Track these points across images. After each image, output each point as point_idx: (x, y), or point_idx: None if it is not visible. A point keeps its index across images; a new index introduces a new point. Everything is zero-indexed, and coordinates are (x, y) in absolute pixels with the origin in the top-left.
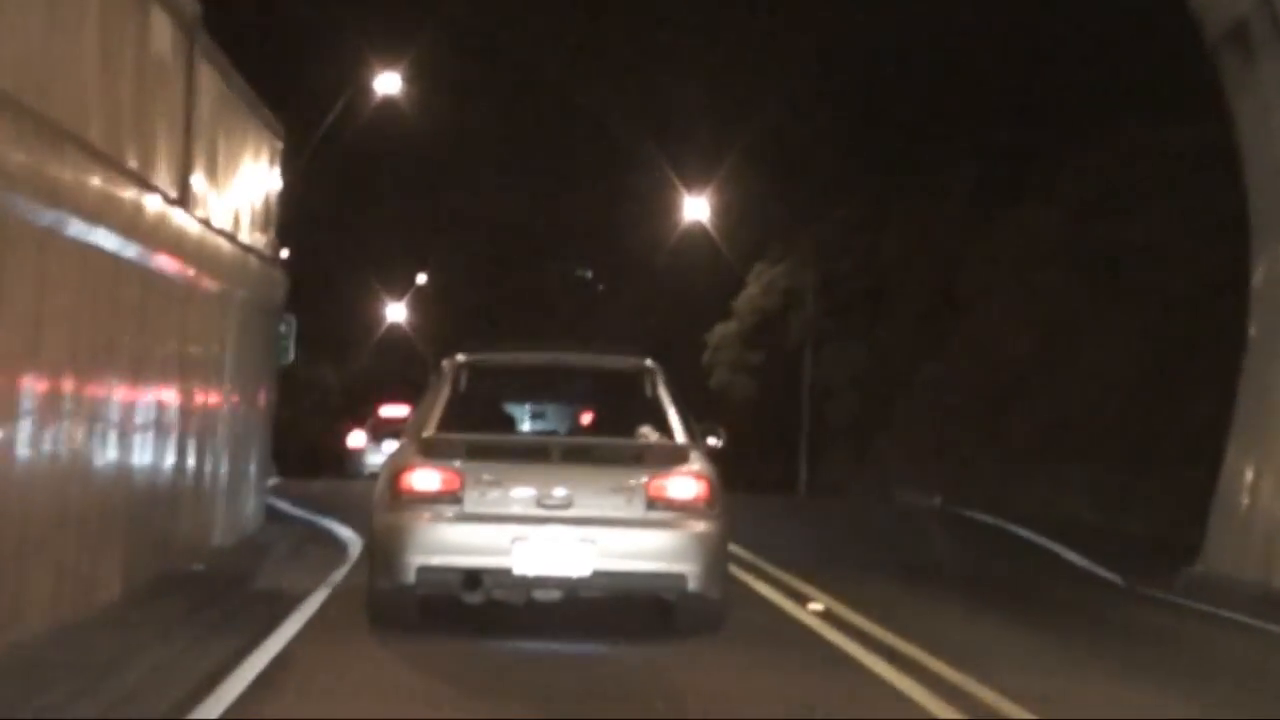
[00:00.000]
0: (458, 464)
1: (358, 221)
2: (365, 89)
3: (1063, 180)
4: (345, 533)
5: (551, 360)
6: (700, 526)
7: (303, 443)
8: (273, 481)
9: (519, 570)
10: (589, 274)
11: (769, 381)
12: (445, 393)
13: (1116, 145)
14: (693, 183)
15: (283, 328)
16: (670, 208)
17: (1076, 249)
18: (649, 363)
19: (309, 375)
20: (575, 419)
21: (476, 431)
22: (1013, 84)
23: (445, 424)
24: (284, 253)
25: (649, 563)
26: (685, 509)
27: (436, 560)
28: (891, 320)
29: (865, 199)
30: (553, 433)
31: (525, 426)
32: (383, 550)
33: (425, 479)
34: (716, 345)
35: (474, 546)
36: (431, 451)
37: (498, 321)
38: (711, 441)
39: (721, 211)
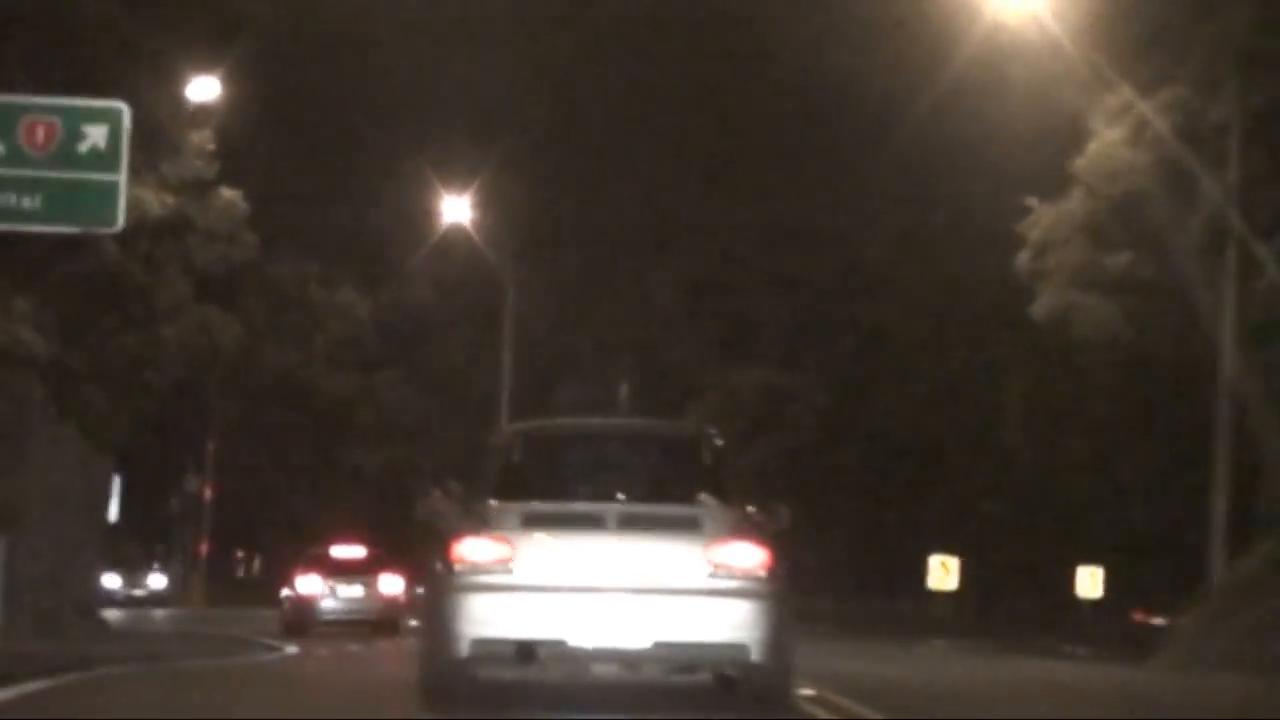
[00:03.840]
0: (511, 533)
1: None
2: None
3: None
4: None
5: (607, 427)
6: (763, 595)
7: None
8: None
9: (575, 642)
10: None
11: (1152, 316)
12: (498, 461)
13: None
14: None
15: None
16: None
17: None
18: (707, 428)
19: (328, 302)
20: (631, 486)
21: (530, 500)
22: None
23: (498, 493)
24: None
25: (710, 633)
26: (747, 577)
27: (490, 632)
28: None
29: None
30: (609, 500)
31: (581, 494)
32: (434, 623)
33: (477, 549)
34: (1044, 240)
35: (528, 618)
36: (484, 521)
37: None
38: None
39: None
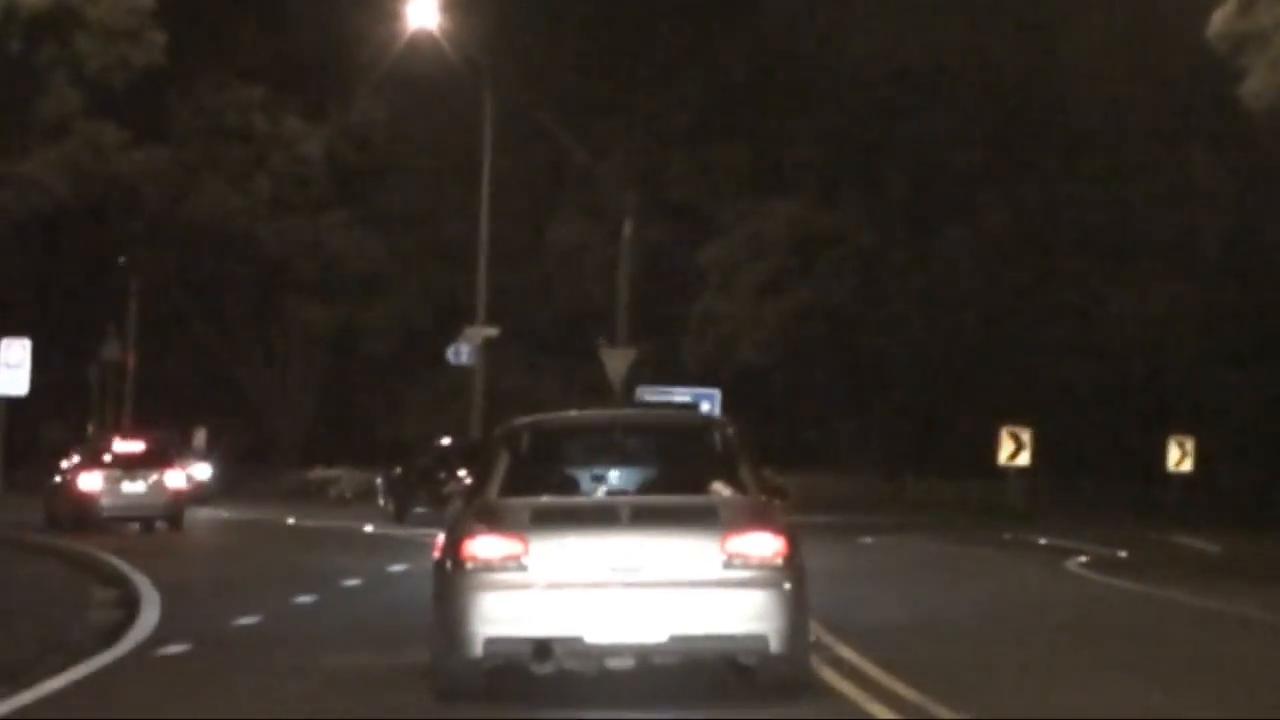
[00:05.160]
0: (522, 530)
1: None
2: None
3: None
4: None
5: (615, 419)
6: (780, 585)
7: None
8: None
9: (591, 639)
10: None
11: None
12: (505, 456)
13: None
14: None
15: None
16: None
17: None
18: (717, 416)
19: (273, 134)
20: (642, 478)
21: (539, 495)
22: None
23: (506, 489)
24: None
25: (728, 625)
26: (763, 567)
27: (504, 631)
28: None
29: None
30: (620, 493)
31: (591, 489)
32: (446, 622)
33: (488, 546)
34: None
35: (543, 616)
36: (494, 517)
37: None
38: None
39: None
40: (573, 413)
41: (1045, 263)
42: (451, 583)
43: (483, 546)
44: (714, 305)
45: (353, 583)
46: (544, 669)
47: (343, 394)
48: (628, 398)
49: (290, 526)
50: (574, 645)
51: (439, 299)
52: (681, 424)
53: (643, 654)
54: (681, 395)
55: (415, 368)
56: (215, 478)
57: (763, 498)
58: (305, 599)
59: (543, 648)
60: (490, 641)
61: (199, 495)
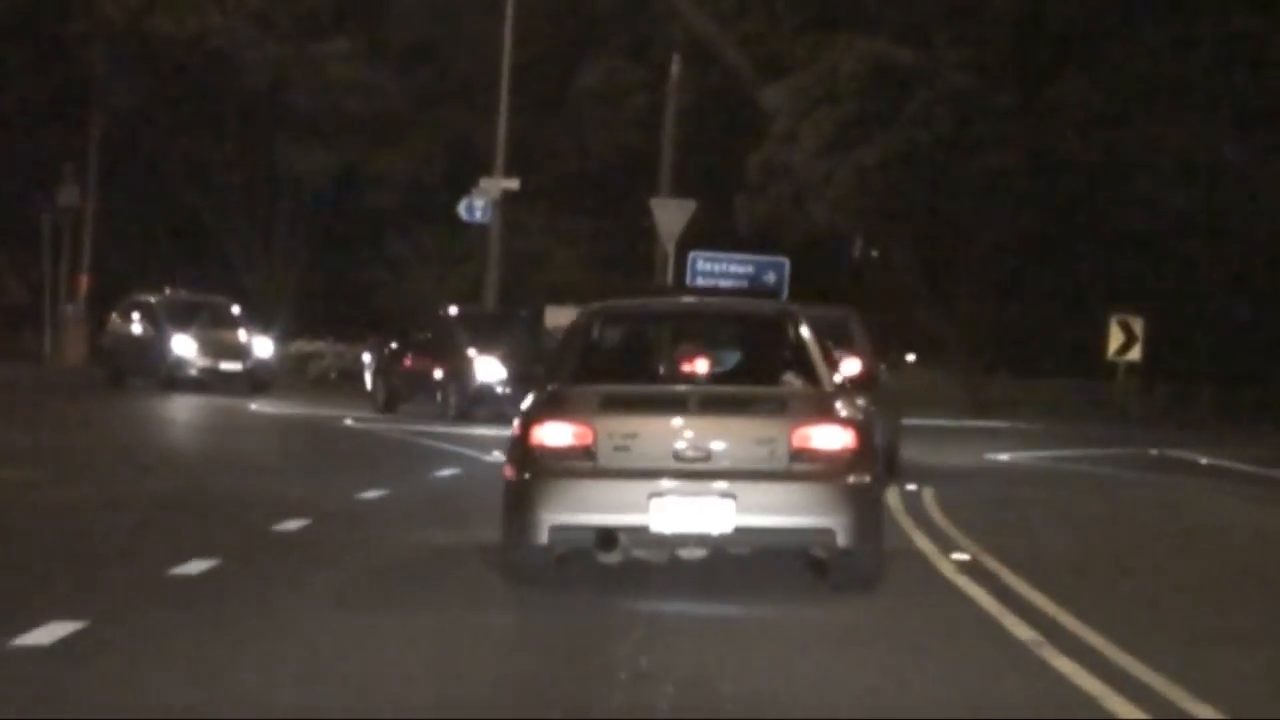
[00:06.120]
0: (590, 417)
1: None
2: None
3: None
4: None
5: (688, 307)
6: (849, 478)
7: None
8: None
9: (657, 528)
10: None
11: None
12: (577, 342)
13: None
14: None
15: None
16: None
17: None
18: (791, 306)
19: None
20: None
21: (610, 382)
22: None
23: (577, 375)
24: None
25: (795, 518)
26: (833, 459)
27: (570, 519)
28: None
29: None
30: (689, 383)
31: (662, 376)
32: (514, 508)
33: (556, 433)
34: None
35: (609, 504)
36: (562, 404)
37: None
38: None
39: None
40: (646, 300)
41: (1169, 116)
42: (519, 469)
43: (550, 433)
44: (777, 157)
45: (295, 525)
46: (610, 558)
47: (337, 254)
48: (679, 260)
49: (252, 414)
50: (640, 535)
51: (452, 147)
52: (756, 313)
53: (710, 544)
54: (741, 266)
55: (422, 225)
56: (276, 356)
57: (830, 390)
58: (199, 565)
59: (608, 536)
60: (556, 529)
61: (259, 381)
